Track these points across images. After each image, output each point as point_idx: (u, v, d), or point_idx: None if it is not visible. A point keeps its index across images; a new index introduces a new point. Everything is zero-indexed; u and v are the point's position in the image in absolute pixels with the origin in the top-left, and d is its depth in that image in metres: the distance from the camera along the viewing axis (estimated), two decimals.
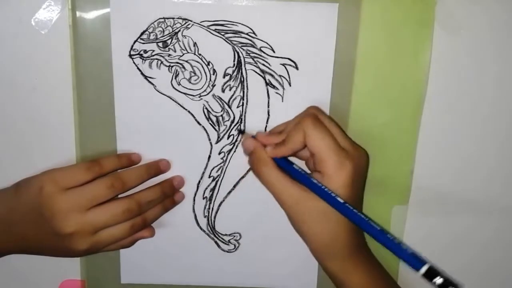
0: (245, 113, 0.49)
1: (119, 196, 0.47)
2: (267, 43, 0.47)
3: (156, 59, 0.48)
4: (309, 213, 0.44)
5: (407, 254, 0.39)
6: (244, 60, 0.48)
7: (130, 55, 0.47)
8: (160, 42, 0.47)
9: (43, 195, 0.44)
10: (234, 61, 0.48)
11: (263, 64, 0.48)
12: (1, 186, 0.50)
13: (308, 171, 0.47)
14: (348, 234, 0.45)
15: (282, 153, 0.45)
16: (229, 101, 0.49)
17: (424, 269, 0.38)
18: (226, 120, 0.49)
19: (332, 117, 0.48)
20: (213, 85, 0.48)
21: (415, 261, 0.39)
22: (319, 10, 0.47)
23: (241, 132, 0.50)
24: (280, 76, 0.48)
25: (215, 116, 0.49)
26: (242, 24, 0.47)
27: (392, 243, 0.40)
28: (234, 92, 0.49)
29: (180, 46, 0.47)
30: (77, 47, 0.47)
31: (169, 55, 0.48)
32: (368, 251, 0.48)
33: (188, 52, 0.47)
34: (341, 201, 0.42)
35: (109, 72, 0.48)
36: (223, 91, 0.49)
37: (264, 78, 0.48)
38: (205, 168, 0.51)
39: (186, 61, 0.48)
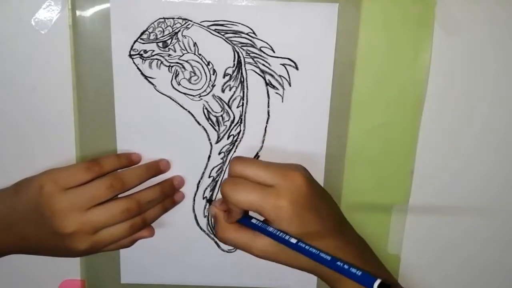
0: (245, 113, 0.49)
1: (119, 196, 0.46)
2: (267, 43, 0.47)
3: (156, 59, 0.48)
4: (282, 255, 0.44)
5: (359, 275, 0.40)
6: (244, 60, 0.48)
7: (130, 55, 0.47)
8: (160, 42, 0.47)
9: (43, 194, 0.44)
10: (234, 61, 0.48)
11: (263, 64, 0.48)
12: (1, 186, 0.50)
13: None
14: (326, 242, 0.44)
15: (232, 220, 0.46)
16: (229, 101, 0.49)
17: (376, 283, 0.39)
18: (226, 120, 0.49)
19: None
20: (213, 85, 0.48)
21: (367, 278, 0.40)
22: (319, 10, 0.47)
23: (208, 201, 0.51)
24: (280, 76, 0.48)
25: (215, 116, 0.49)
26: (242, 24, 0.47)
27: (343, 268, 0.41)
28: (234, 92, 0.49)
29: (180, 46, 0.47)
30: (77, 47, 0.47)
31: (169, 55, 0.48)
32: (350, 231, 0.47)
33: (188, 52, 0.47)
34: (292, 240, 0.42)
35: (109, 72, 0.48)
36: (223, 91, 0.49)
37: (264, 78, 0.48)
38: (205, 168, 0.51)
39: (186, 61, 0.48)
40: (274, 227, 0.43)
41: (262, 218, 0.44)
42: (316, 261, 0.42)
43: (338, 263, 0.41)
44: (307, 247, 0.42)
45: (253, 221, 0.45)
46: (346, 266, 0.41)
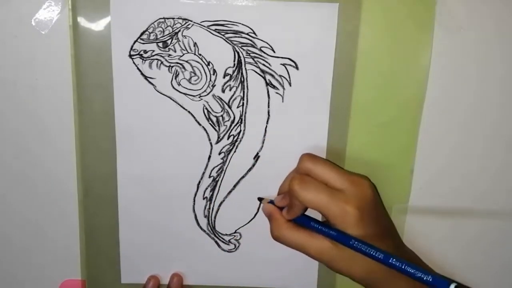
0: (245, 113, 0.49)
1: None
2: (267, 43, 0.47)
3: (156, 59, 0.48)
4: (337, 259, 0.44)
5: (435, 278, 0.40)
6: (244, 60, 0.48)
7: (130, 55, 0.47)
8: (160, 42, 0.47)
9: None
10: (234, 61, 0.48)
11: (263, 64, 0.48)
12: (0, 186, 0.50)
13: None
14: (386, 243, 0.44)
15: (293, 216, 0.46)
16: (229, 101, 0.49)
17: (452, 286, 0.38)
18: (226, 121, 0.49)
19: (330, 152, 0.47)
20: (213, 85, 0.48)
21: (440, 282, 0.39)
22: (319, 10, 0.47)
23: (260, 199, 0.51)
24: (280, 76, 0.48)
25: (215, 116, 0.49)
26: (242, 24, 0.47)
27: (417, 273, 0.40)
28: (234, 92, 0.49)
29: (180, 46, 0.47)
30: (77, 47, 0.47)
31: (169, 55, 0.47)
32: (405, 252, 0.48)
33: (188, 52, 0.47)
34: (353, 242, 0.42)
35: (109, 72, 0.48)
36: (223, 91, 0.49)
37: (264, 78, 0.48)
38: (205, 168, 0.51)
39: (186, 61, 0.48)
40: (337, 228, 0.43)
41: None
42: (384, 264, 0.42)
43: (408, 268, 0.41)
44: (368, 247, 0.42)
45: (312, 222, 0.45)
46: (417, 272, 0.40)
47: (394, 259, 0.41)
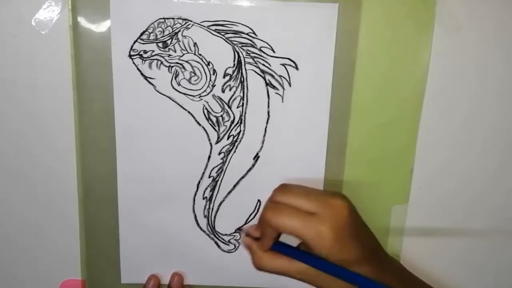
0: (245, 113, 0.49)
1: None
2: (267, 43, 0.47)
3: (156, 59, 0.48)
4: (316, 278, 0.45)
5: None
6: (244, 60, 0.48)
7: (130, 56, 0.47)
8: (160, 42, 0.47)
9: None
10: (234, 61, 0.48)
11: (263, 64, 0.48)
12: (0, 186, 0.50)
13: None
14: (364, 270, 0.44)
15: (267, 246, 0.47)
16: (229, 101, 0.49)
17: None
18: (226, 121, 0.49)
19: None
20: (213, 85, 0.48)
21: None
22: (319, 10, 0.47)
23: (238, 230, 0.52)
24: (280, 76, 0.48)
25: (215, 116, 0.49)
26: (242, 24, 0.47)
27: None
28: (234, 92, 0.49)
29: (180, 46, 0.47)
30: (77, 47, 0.47)
31: (169, 55, 0.47)
32: (386, 258, 0.48)
33: (188, 52, 0.47)
34: (329, 264, 0.43)
35: (109, 72, 0.48)
36: (223, 91, 0.49)
37: (264, 78, 0.48)
38: (205, 168, 0.51)
39: (186, 61, 0.48)
40: (314, 252, 0.44)
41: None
42: (356, 285, 0.43)
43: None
44: (346, 272, 0.43)
45: (287, 248, 0.46)
46: None
47: (367, 280, 0.42)
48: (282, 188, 0.46)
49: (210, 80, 0.48)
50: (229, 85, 0.48)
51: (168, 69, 0.48)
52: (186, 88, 0.48)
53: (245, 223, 0.52)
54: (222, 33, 0.47)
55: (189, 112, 0.49)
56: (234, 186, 0.51)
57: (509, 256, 0.54)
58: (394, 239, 0.52)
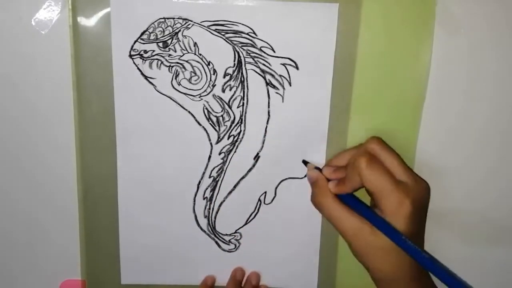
0: (246, 113, 0.49)
1: None
2: (267, 43, 0.47)
3: (156, 59, 0.48)
4: (370, 247, 0.44)
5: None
6: (245, 60, 0.48)
7: (130, 55, 0.47)
8: (160, 42, 0.47)
9: None
10: (234, 61, 0.48)
11: (264, 64, 0.48)
12: (0, 186, 0.50)
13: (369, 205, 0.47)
14: (410, 265, 0.44)
15: (343, 191, 0.46)
16: (229, 101, 0.49)
17: None
18: (227, 121, 0.49)
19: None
20: (213, 85, 0.48)
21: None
22: (319, 10, 0.47)
23: (304, 163, 0.50)
24: (280, 76, 0.48)
25: (216, 116, 0.49)
26: (242, 24, 0.47)
27: (455, 282, 0.41)
28: (235, 92, 0.49)
29: (180, 46, 0.47)
30: (77, 47, 0.47)
31: (170, 55, 0.47)
32: (429, 277, 0.47)
33: (188, 52, 0.47)
34: (402, 237, 0.42)
35: (109, 72, 0.48)
36: (223, 91, 0.49)
37: (264, 78, 0.48)
38: (205, 169, 0.51)
39: (187, 61, 0.48)
40: (384, 218, 0.43)
41: None
42: (421, 264, 0.42)
43: (451, 276, 0.41)
44: (415, 246, 0.42)
45: (356, 200, 0.45)
46: (457, 278, 0.41)
47: (438, 265, 0.42)
48: (381, 143, 0.46)
49: (210, 80, 0.48)
50: (230, 85, 0.48)
51: (169, 69, 0.48)
52: (186, 88, 0.48)
53: (246, 223, 0.52)
54: (222, 33, 0.47)
55: (189, 112, 0.49)
56: (235, 186, 0.51)
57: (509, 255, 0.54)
58: None
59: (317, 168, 0.49)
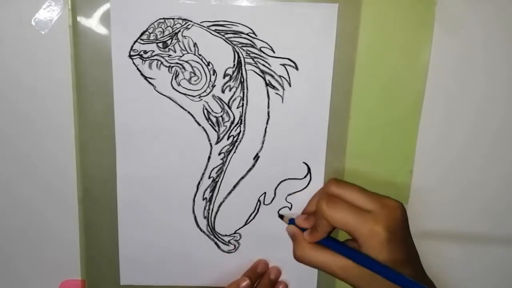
0: (245, 113, 0.49)
1: None
2: (267, 43, 0.47)
3: (156, 59, 0.48)
4: (361, 278, 0.44)
5: None
6: (244, 60, 0.48)
7: (130, 56, 0.47)
8: (160, 42, 0.47)
9: None
10: (234, 61, 0.48)
11: (263, 65, 0.48)
12: (0, 186, 0.50)
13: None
14: (408, 271, 0.44)
15: (317, 238, 0.46)
16: (229, 101, 0.49)
17: None
18: (226, 121, 0.49)
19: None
20: (213, 86, 0.48)
21: None
22: (319, 10, 0.47)
23: (280, 217, 0.51)
24: (280, 76, 0.48)
25: (215, 116, 0.49)
26: (242, 25, 0.47)
27: None
28: (234, 92, 0.49)
29: (180, 46, 0.47)
30: (77, 47, 0.47)
31: (169, 55, 0.48)
32: (425, 280, 0.48)
33: (188, 53, 0.47)
34: (380, 265, 0.43)
35: (109, 73, 0.48)
36: (223, 91, 0.49)
37: (264, 79, 0.48)
38: (205, 169, 0.51)
39: (186, 62, 0.48)
40: (363, 250, 0.44)
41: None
42: (401, 286, 0.42)
43: None
44: (396, 274, 0.42)
45: (334, 242, 0.46)
46: None
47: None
48: (337, 181, 0.47)
49: (210, 80, 0.48)
50: (229, 85, 0.48)
51: (168, 69, 0.48)
52: (186, 88, 0.48)
53: (245, 224, 0.52)
54: (222, 33, 0.47)
55: (189, 112, 0.49)
56: (234, 187, 0.51)
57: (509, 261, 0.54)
58: None
59: (291, 220, 0.49)
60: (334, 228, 0.45)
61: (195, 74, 0.48)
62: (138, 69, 0.48)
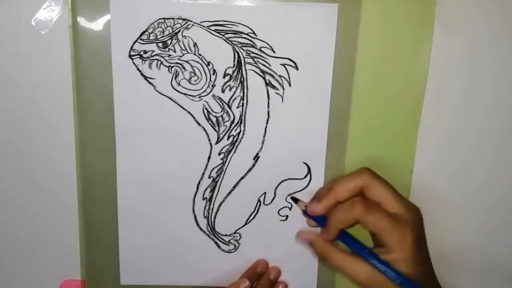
0: (245, 113, 0.49)
1: None
2: (267, 43, 0.47)
3: (156, 59, 0.48)
4: (382, 286, 0.44)
5: None
6: (244, 60, 0.48)
7: (130, 56, 0.47)
8: (160, 42, 0.47)
9: None
10: (234, 61, 0.48)
11: (263, 64, 0.48)
12: (0, 186, 0.50)
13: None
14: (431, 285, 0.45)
15: (332, 236, 0.46)
16: (229, 101, 0.49)
17: None
18: (226, 121, 0.49)
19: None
20: (213, 86, 0.48)
21: None
22: (319, 10, 0.47)
23: (294, 200, 0.51)
24: (280, 76, 0.48)
25: (215, 116, 0.49)
26: (242, 25, 0.47)
27: None
28: (234, 92, 0.49)
29: (180, 46, 0.47)
30: (77, 47, 0.47)
31: (169, 55, 0.48)
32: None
33: (188, 53, 0.47)
34: (401, 278, 0.43)
35: (109, 73, 0.48)
36: (223, 91, 0.49)
37: (264, 78, 0.48)
38: (205, 169, 0.51)
39: (186, 62, 0.48)
40: (390, 256, 0.44)
41: None
42: None
43: None
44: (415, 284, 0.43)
45: (358, 246, 0.46)
46: None
47: None
48: (371, 176, 0.46)
49: (210, 80, 0.48)
50: (229, 85, 0.48)
51: (168, 69, 0.48)
52: (186, 88, 0.48)
53: (245, 224, 0.52)
54: (222, 33, 0.47)
55: (189, 112, 0.49)
56: (234, 187, 0.51)
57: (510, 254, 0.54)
58: None
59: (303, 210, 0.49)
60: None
61: (195, 74, 0.48)
62: (138, 69, 0.48)
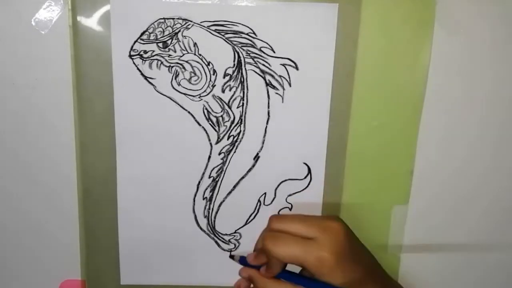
0: (245, 113, 0.49)
1: None
2: (267, 43, 0.47)
3: (156, 59, 0.48)
4: None
5: None
6: (244, 60, 0.48)
7: (130, 56, 0.47)
8: (160, 42, 0.47)
9: None
10: (234, 61, 0.48)
11: (263, 65, 0.48)
12: (0, 186, 0.50)
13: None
14: None
15: (274, 273, 0.47)
16: (229, 101, 0.49)
17: None
18: (226, 121, 0.49)
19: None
20: (213, 86, 0.48)
21: None
22: (319, 10, 0.47)
23: (231, 257, 0.52)
24: (280, 76, 0.48)
25: (215, 116, 0.49)
26: (242, 25, 0.47)
27: None
28: (234, 92, 0.49)
29: (180, 46, 0.47)
30: (77, 47, 0.47)
31: (169, 55, 0.47)
32: (386, 276, 0.49)
33: (188, 53, 0.47)
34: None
35: (109, 73, 0.48)
36: (223, 91, 0.49)
37: (264, 79, 0.48)
38: (205, 169, 0.51)
39: (186, 62, 0.48)
40: (317, 277, 0.44)
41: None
42: None
43: None
44: None
45: (291, 275, 0.47)
46: None
47: None
48: (277, 216, 0.48)
49: (210, 80, 0.48)
50: (229, 85, 0.48)
51: (168, 69, 0.48)
52: (186, 88, 0.48)
53: (245, 224, 0.52)
54: (222, 33, 0.47)
55: (189, 112, 0.49)
56: (234, 187, 0.51)
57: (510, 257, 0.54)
58: (394, 240, 0.52)
59: (242, 258, 0.50)
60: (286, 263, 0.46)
61: (195, 74, 0.48)
62: (138, 69, 0.48)
